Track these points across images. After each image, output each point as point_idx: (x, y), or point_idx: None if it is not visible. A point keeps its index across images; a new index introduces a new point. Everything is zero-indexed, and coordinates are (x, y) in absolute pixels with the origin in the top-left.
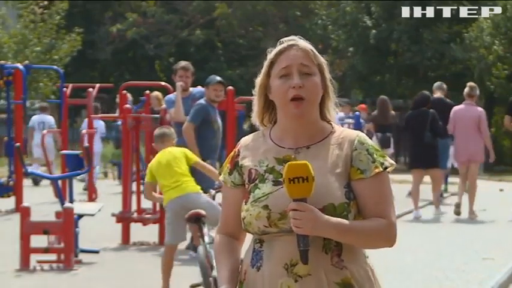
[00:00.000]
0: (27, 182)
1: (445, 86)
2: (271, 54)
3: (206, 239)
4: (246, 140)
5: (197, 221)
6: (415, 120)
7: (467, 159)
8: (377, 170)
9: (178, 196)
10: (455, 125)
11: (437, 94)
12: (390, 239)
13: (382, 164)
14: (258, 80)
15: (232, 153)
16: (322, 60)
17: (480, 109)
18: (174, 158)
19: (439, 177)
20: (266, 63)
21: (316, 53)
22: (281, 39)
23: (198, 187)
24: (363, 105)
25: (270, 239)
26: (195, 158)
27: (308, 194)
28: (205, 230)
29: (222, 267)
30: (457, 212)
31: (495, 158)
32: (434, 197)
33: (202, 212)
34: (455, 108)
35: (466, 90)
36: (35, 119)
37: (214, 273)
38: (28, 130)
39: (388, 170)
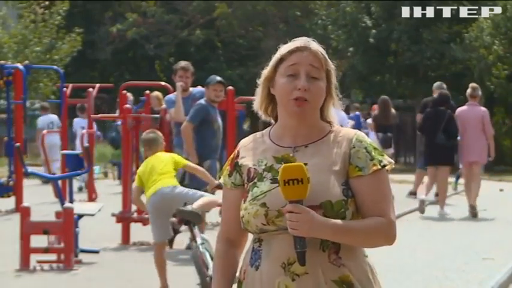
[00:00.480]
0: (27, 182)
1: (444, 85)
2: (282, 50)
3: (198, 240)
4: (245, 141)
5: (187, 223)
6: (431, 119)
7: (471, 160)
8: (375, 168)
9: (153, 194)
10: (460, 126)
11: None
12: (389, 238)
13: (380, 161)
14: (265, 72)
15: (232, 155)
16: (331, 66)
17: (483, 109)
18: (159, 162)
19: (446, 177)
20: (275, 58)
21: (327, 58)
22: (294, 39)
23: (174, 181)
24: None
25: (268, 237)
26: (184, 162)
27: (303, 196)
28: (195, 231)
29: (217, 285)
30: (474, 214)
31: (495, 158)
32: (440, 196)
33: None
34: (459, 109)
35: (469, 91)
36: (44, 120)
37: (210, 272)
38: (37, 131)
39: (386, 168)
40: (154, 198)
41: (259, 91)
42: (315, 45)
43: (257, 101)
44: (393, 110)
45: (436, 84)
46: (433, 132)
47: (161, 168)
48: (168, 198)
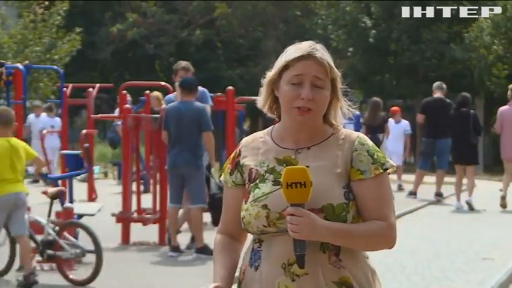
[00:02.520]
0: (27, 182)
1: (444, 85)
2: (288, 56)
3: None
4: (247, 140)
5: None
6: (458, 121)
7: (508, 157)
8: (377, 172)
9: (5, 194)
10: (502, 124)
11: (437, 94)
12: (390, 241)
13: (382, 165)
14: (269, 75)
15: (233, 154)
16: (337, 73)
17: None
18: (20, 159)
19: (473, 174)
20: (281, 63)
21: (333, 66)
22: (300, 42)
23: (25, 186)
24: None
25: (269, 238)
26: (35, 154)
27: (305, 199)
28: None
29: (218, 265)
30: (503, 205)
31: (495, 157)
32: (470, 191)
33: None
34: (501, 108)
35: (509, 93)
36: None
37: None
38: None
39: (388, 171)
40: (3, 199)
41: (263, 91)
42: (320, 53)
43: (261, 100)
44: (382, 113)
45: (436, 84)
46: (462, 132)
47: (21, 170)
48: (14, 205)
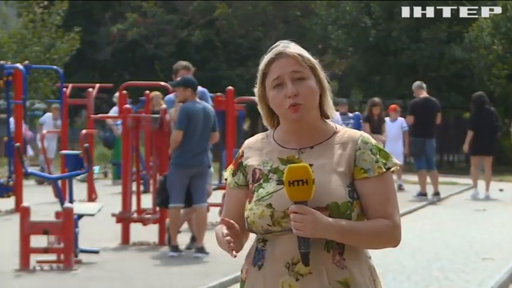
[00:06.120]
0: (27, 182)
1: (424, 85)
2: (261, 65)
3: None
4: (250, 141)
5: None
6: (481, 117)
7: None
8: (380, 170)
9: None
10: None
11: (423, 94)
12: (394, 240)
13: (385, 164)
14: (256, 91)
15: (237, 155)
16: (313, 61)
17: None
18: None
19: (490, 165)
20: (259, 74)
21: (306, 55)
22: (271, 47)
23: None
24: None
25: (273, 238)
26: None
27: (308, 197)
28: None
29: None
30: None
31: (495, 157)
32: (487, 182)
33: None
34: None
35: None
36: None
37: None
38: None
39: (392, 169)
40: None
41: (259, 109)
42: (289, 49)
43: (263, 117)
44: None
45: (417, 84)
46: (485, 127)
47: None
48: None
